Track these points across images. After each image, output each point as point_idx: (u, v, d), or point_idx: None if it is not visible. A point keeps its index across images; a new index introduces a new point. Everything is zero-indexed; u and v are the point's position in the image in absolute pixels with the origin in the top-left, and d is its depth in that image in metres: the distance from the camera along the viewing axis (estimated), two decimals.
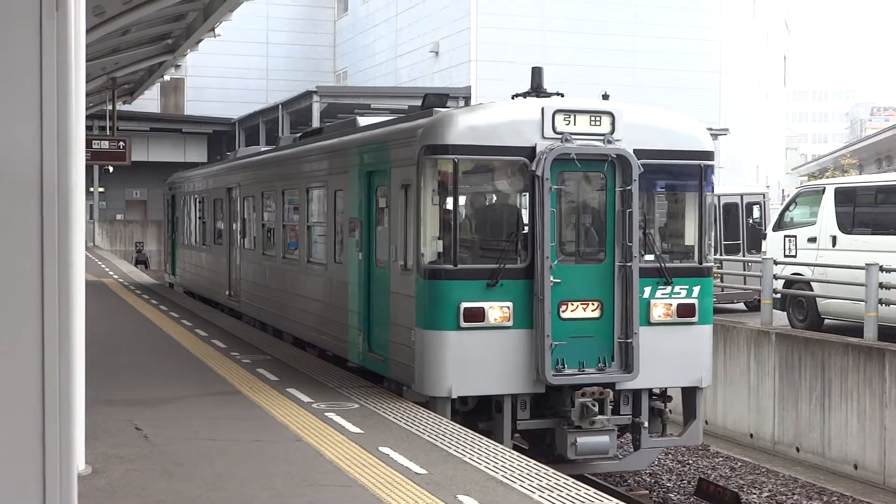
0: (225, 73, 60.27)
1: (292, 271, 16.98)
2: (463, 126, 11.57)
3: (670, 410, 12.76)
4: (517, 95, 12.65)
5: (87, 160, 20.02)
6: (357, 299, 13.63)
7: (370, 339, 13.31)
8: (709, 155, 12.51)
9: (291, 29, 63.64)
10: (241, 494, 8.13)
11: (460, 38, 47.07)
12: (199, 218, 25.42)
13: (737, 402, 18.46)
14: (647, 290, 12.01)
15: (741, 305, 23.90)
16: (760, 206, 25.15)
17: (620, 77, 42.91)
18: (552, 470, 9.03)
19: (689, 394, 12.60)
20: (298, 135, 20.54)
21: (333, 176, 14.89)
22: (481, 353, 11.47)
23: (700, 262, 12.46)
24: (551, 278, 11.49)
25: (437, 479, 8.53)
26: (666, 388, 12.57)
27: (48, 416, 4.72)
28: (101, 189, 54.08)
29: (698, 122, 13.06)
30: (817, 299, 19.33)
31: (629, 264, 11.78)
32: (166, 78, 39.53)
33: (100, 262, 38.69)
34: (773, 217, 22.61)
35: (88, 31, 16.44)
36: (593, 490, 8.42)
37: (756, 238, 23.84)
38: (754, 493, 14.83)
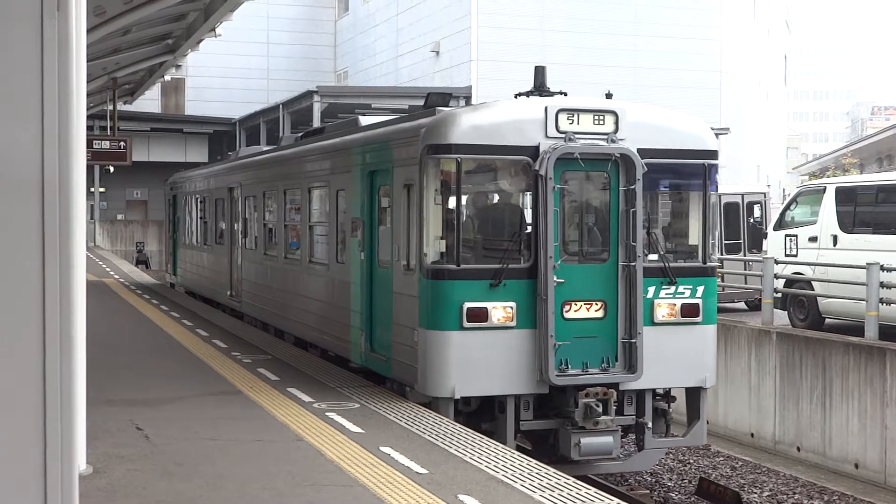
0: (226, 73, 60.31)
1: (294, 271, 16.96)
2: (466, 125, 11.53)
3: (673, 411, 12.72)
4: (520, 94, 12.59)
5: (87, 160, 20.03)
6: (359, 299, 13.60)
7: (372, 340, 13.27)
8: (713, 154, 12.45)
9: (292, 29, 63.67)
10: (242, 494, 8.13)
11: (461, 38, 47.08)
12: (201, 218, 25.41)
13: (738, 402, 18.46)
14: (651, 289, 11.96)
15: (742, 305, 23.90)
16: (761, 206, 25.15)
17: (621, 77, 42.90)
18: (553, 469, 9.03)
19: (693, 394, 12.54)
20: (300, 134, 20.52)
21: (335, 175, 14.86)
22: (484, 353, 11.42)
23: (704, 262, 12.41)
24: (555, 278, 11.44)
25: (438, 478, 8.53)
26: (670, 389, 12.52)
27: (49, 415, 4.72)
28: (101, 189, 54.11)
29: (702, 121, 13.04)
30: (818, 298, 19.33)
31: (633, 264, 11.74)
32: (167, 78, 39.57)
33: (101, 263, 38.70)
34: (773, 216, 22.60)
35: (89, 31, 16.44)
36: (594, 489, 8.42)
37: (757, 237, 23.83)
38: (755, 493, 14.83)
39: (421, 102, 13.42)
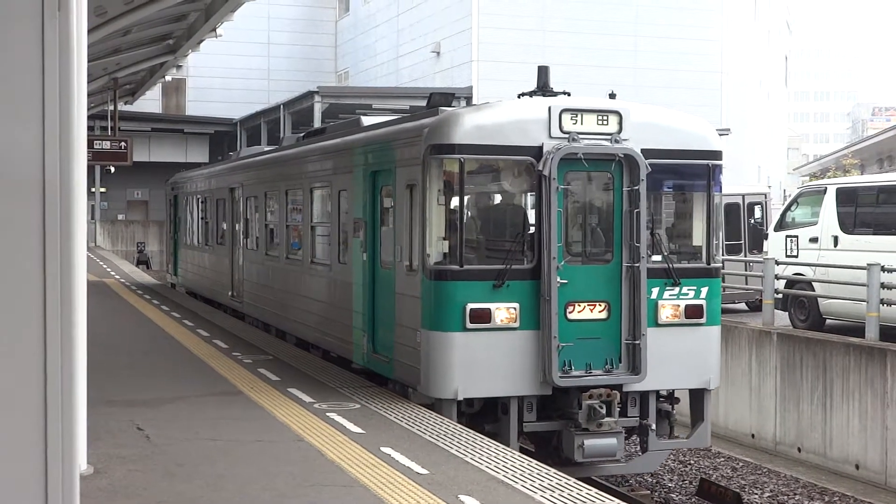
0: (226, 74, 60.33)
1: (296, 272, 16.94)
2: (469, 125, 11.48)
3: (677, 413, 12.68)
4: (523, 94, 12.53)
5: (88, 160, 20.03)
6: (361, 300, 13.57)
7: (374, 341, 13.23)
8: (717, 154, 12.39)
9: (293, 29, 63.70)
10: (243, 495, 8.13)
11: (462, 39, 47.09)
12: (202, 218, 25.41)
13: (738, 403, 18.45)
14: (655, 290, 11.91)
15: (743, 305, 23.89)
16: (762, 207, 25.13)
17: (621, 77, 42.90)
18: (554, 470, 9.03)
19: (697, 396, 12.48)
20: (301, 134, 20.49)
21: (337, 176, 14.83)
22: (488, 354, 11.37)
23: (708, 263, 12.35)
24: (558, 279, 11.39)
25: (439, 479, 8.53)
26: (673, 390, 12.46)
27: (50, 416, 4.72)
28: (102, 189, 54.15)
29: (706, 121, 13.00)
30: (819, 299, 19.32)
31: (637, 265, 11.69)
32: (168, 78, 39.58)
33: (101, 263, 38.71)
34: (774, 217, 22.59)
35: (90, 31, 16.44)
36: (595, 490, 8.42)
37: (757, 238, 23.81)
38: (756, 494, 14.82)
39: (421, 103, 13.40)
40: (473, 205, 12.25)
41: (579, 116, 11.63)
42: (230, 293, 21.62)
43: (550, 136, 11.52)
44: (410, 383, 12.06)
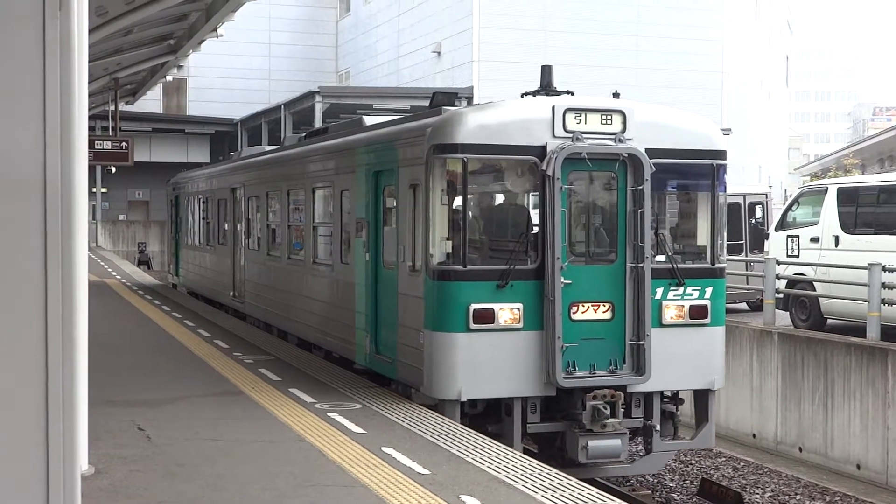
0: (227, 74, 60.35)
1: (298, 272, 16.92)
2: (472, 125, 11.42)
3: (681, 414, 12.65)
4: (527, 94, 12.48)
5: (89, 161, 20.04)
6: (364, 300, 13.52)
7: (377, 341, 13.18)
8: (721, 154, 12.33)
9: (294, 29, 63.71)
10: (244, 495, 8.13)
11: (462, 39, 47.09)
12: (203, 218, 25.40)
13: (740, 403, 18.45)
14: (659, 291, 11.85)
15: (744, 305, 23.89)
16: (763, 206, 25.13)
17: (622, 77, 42.89)
18: (555, 470, 9.02)
19: (702, 396, 12.43)
20: (303, 134, 20.47)
21: (340, 176, 14.80)
22: (491, 355, 11.32)
23: (713, 263, 12.29)
24: (562, 279, 11.34)
25: (440, 479, 8.52)
26: (678, 391, 12.41)
27: (51, 416, 4.72)
28: (103, 189, 54.16)
29: (710, 120, 12.96)
30: (820, 299, 19.32)
31: (641, 265, 11.63)
32: (169, 78, 39.60)
33: (102, 263, 38.72)
34: (775, 217, 22.59)
35: (91, 31, 16.44)
36: (596, 490, 8.41)
37: (758, 238, 23.81)
38: (757, 494, 14.82)
39: (422, 103, 13.39)
40: (477, 205, 12.21)
41: (583, 116, 11.58)
42: (232, 293, 21.62)
43: (554, 136, 11.46)
44: (413, 384, 12.02)
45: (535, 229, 11.73)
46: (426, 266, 11.56)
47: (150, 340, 17.31)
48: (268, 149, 23.42)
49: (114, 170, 45.30)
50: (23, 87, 4.69)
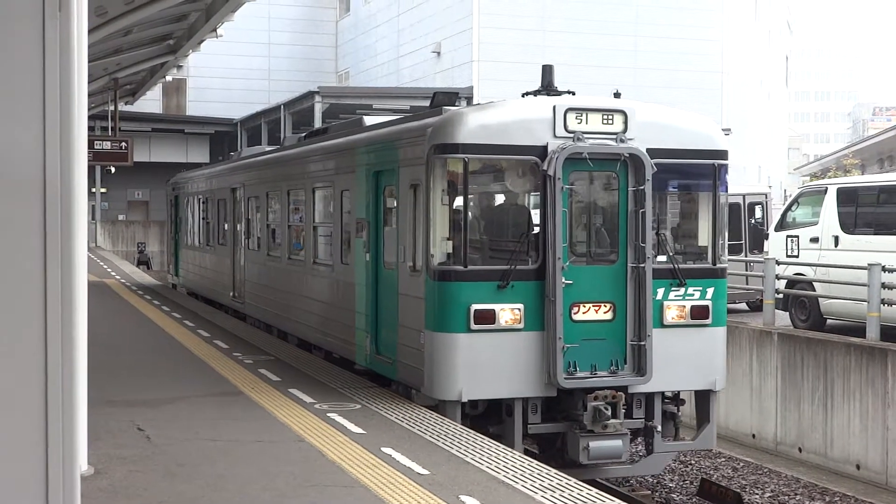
0: (227, 74, 60.37)
1: (298, 272, 16.90)
2: (473, 125, 11.39)
3: (682, 415, 12.63)
4: (528, 94, 12.43)
5: (89, 161, 20.04)
6: (364, 301, 13.49)
7: (378, 342, 13.15)
8: (723, 154, 12.30)
9: (293, 29, 63.72)
10: (243, 495, 8.13)
11: (462, 39, 47.10)
12: (203, 218, 25.39)
13: (739, 403, 18.45)
14: (661, 291, 11.82)
15: (743, 306, 23.89)
16: (763, 207, 25.12)
17: (622, 77, 42.90)
18: (554, 471, 9.02)
19: (703, 397, 12.40)
20: (303, 134, 20.45)
21: (340, 176, 14.77)
22: (492, 355, 11.29)
23: (714, 263, 12.26)
24: (563, 279, 11.31)
25: (440, 479, 8.52)
26: (679, 392, 12.38)
27: (51, 416, 4.72)
28: (103, 190, 54.16)
29: (712, 120, 12.92)
30: (820, 299, 19.32)
31: (642, 265, 11.60)
32: (168, 78, 39.60)
33: (102, 263, 38.71)
34: (775, 217, 22.59)
35: (90, 31, 16.44)
36: (595, 490, 8.41)
37: (758, 238, 23.81)
38: (757, 494, 14.82)
39: (422, 103, 13.36)
40: (478, 205, 12.17)
41: (584, 116, 11.54)
42: (231, 294, 21.61)
43: (555, 136, 11.42)
44: (414, 385, 11.99)
45: (536, 229, 11.69)
46: (427, 266, 11.52)
47: (149, 341, 17.31)
48: (268, 149, 23.40)
49: (113, 170, 45.27)
50: (22, 87, 4.69)
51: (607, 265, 11.84)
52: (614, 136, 11.60)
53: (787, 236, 20.31)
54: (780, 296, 19.79)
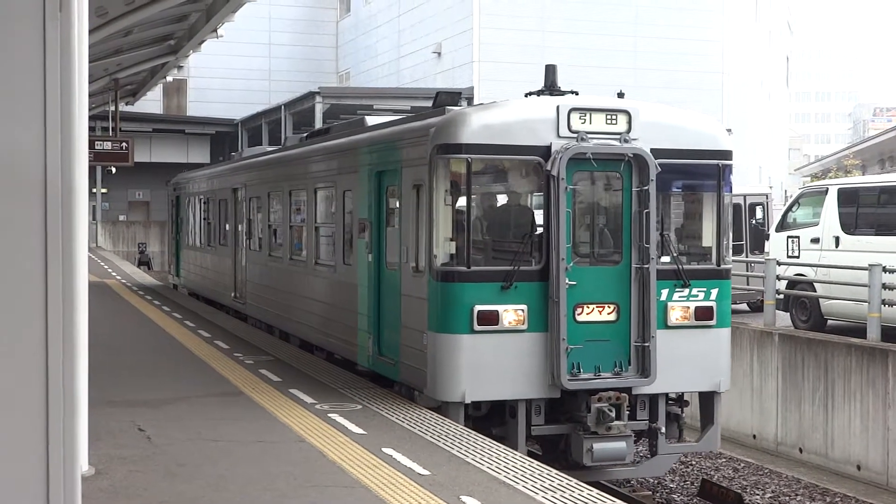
0: (227, 74, 60.37)
1: (299, 273, 16.87)
2: (476, 125, 11.33)
3: (686, 416, 12.59)
4: (531, 93, 12.38)
5: (89, 161, 20.04)
6: (366, 302, 13.44)
7: (380, 343, 13.10)
8: (727, 154, 12.25)
9: (294, 30, 63.72)
10: (244, 496, 8.13)
11: (463, 39, 47.10)
12: (204, 219, 25.38)
13: (740, 403, 18.44)
14: (665, 292, 11.76)
15: (744, 306, 23.88)
16: (763, 207, 25.14)
17: (622, 78, 42.82)
18: (555, 471, 9.02)
19: (707, 399, 12.34)
20: (305, 135, 20.43)
21: (342, 176, 14.73)
22: (495, 356, 11.23)
23: (718, 264, 12.20)
24: (567, 280, 11.26)
25: (441, 479, 8.52)
26: (683, 393, 12.33)
27: (52, 416, 4.72)
28: (103, 190, 54.18)
29: (716, 120, 12.87)
30: (820, 300, 19.32)
31: (646, 266, 11.55)
32: (169, 79, 39.60)
33: (102, 263, 38.72)
34: (775, 218, 22.59)
35: (91, 31, 16.44)
36: (596, 491, 8.41)
37: (759, 239, 23.82)
38: (757, 494, 14.82)
39: (423, 103, 13.33)
40: (481, 205, 12.09)
41: (588, 116, 11.49)
42: (233, 294, 21.60)
43: (559, 136, 11.37)
44: (417, 386, 11.94)
45: (540, 230, 11.64)
46: (430, 267, 11.47)
47: (150, 341, 17.31)
48: (269, 149, 23.38)
49: (114, 170, 45.32)
50: (23, 87, 4.69)
51: (611, 266, 11.78)
52: (618, 137, 11.54)
53: (788, 237, 20.31)
54: (781, 296, 19.79)
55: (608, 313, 11.63)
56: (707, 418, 12.42)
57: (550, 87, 12.47)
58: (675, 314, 11.87)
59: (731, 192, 12.37)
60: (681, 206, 12.96)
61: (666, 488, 15.00)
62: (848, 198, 19.11)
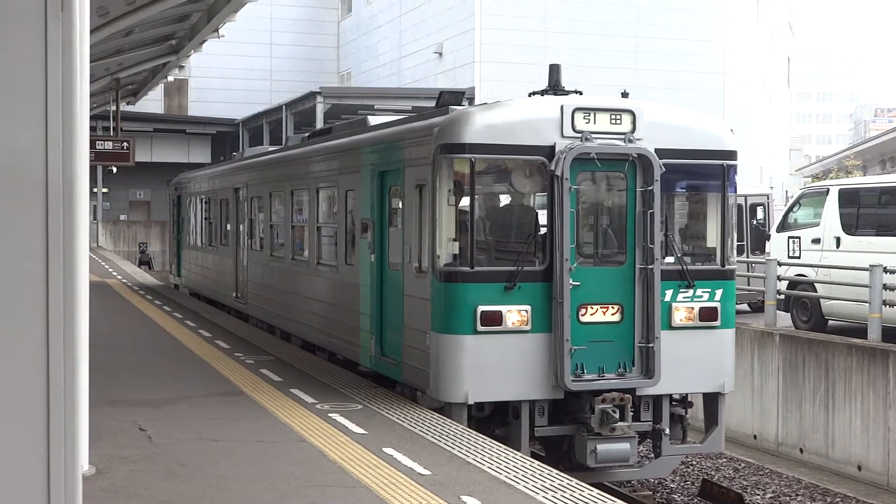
0: (228, 74, 60.39)
1: (301, 273, 16.84)
2: (480, 124, 11.28)
3: (690, 417, 12.57)
4: (535, 93, 12.33)
5: (91, 161, 20.05)
6: (369, 302, 13.40)
7: (382, 343, 13.06)
8: (732, 154, 12.20)
9: (295, 30, 63.73)
10: (245, 495, 8.13)
11: (464, 39, 47.10)
12: (206, 219, 25.37)
13: (741, 404, 18.44)
14: (669, 293, 11.71)
15: (745, 306, 23.89)
16: (764, 208, 25.16)
17: (623, 78, 42.79)
18: (556, 471, 9.02)
19: (711, 400, 12.28)
20: (307, 134, 20.40)
21: (344, 176, 14.70)
22: (498, 357, 11.18)
23: (722, 265, 12.14)
24: (570, 281, 11.21)
25: (441, 479, 8.53)
26: (687, 394, 12.28)
27: (53, 416, 4.72)
28: (104, 190, 54.18)
29: (721, 120, 12.82)
30: (821, 300, 19.32)
31: (650, 267, 11.49)
32: (170, 79, 39.61)
33: (103, 263, 38.73)
34: (776, 218, 22.60)
35: (92, 31, 16.44)
36: (597, 491, 8.42)
37: (760, 239, 23.83)
38: (758, 495, 14.82)
39: (424, 104, 13.30)
40: (484, 205, 12.02)
41: (592, 115, 11.43)
42: (234, 294, 21.59)
43: (563, 136, 11.31)
44: (419, 387, 11.90)
45: (543, 230, 11.59)
46: (433, 267, 11.42)
47: (151, 341, 17.31)
48: (271, 149, 23.37)
49: (115, 170, 45.34)
50: (25, 87, 4.69)
51: (615, 266, 11.73)
52: (623, 137, 11.49)
53: (789, 237, 20.31)
54: (782, 297, 19.79)
55: (612, 314, 11.58)
56: (711, 419, 12.37)
57: (554, 86, 12.42)
58: (680, 315, 11.82)
59: (735, 192, 12.31)
60: (685, 206, 12.90)
61: (666, 488, 15.00)
62: (849, 198, 19.11)
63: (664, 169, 11.53)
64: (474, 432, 10.50)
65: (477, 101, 39.94)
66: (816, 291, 19.52)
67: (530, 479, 8.64)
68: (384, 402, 11.89)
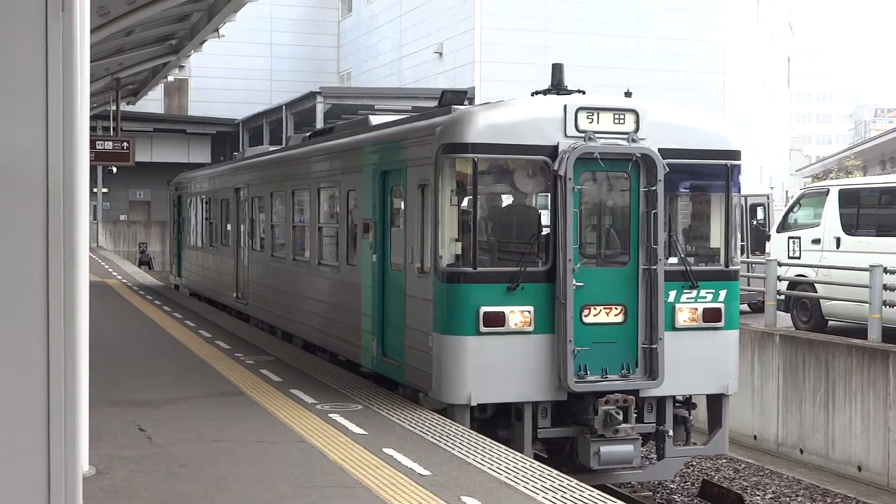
0: (229, 74, 60.40)
1: (302, 273, 16.82)
2: (483, 124, 11.24)
3: (693, 419, 12.49)
4: (537, 93, 12.28)
5: (91, 161, 20.05)
6: (370, 303, 13.36)
7: (384, 344, 13.02)
8: (736, 154, 12.16)
9: (295, 30, 63.74)
10: (245, 496, 8.13)
11: (464, 40, 47.10)
12: (206, 219, 25.36)
13: (741, 404, 18.42)
14: (672, 293, 11.66)
15: (745, 307, 23.85)
16: (764, 208, 25.15)
17: (624, 78, 42.58)
18: (556, 472, 9.01)
19: (715, 401, 12.24)
20: (307, 134, 20.38)
21: (346, 176, 14.65)
22: (501, 359, 11.14)
23: (726, 266, 12.10)
24: (574, 282, 11.16)
25: (441, 480, 8.52)
26: (690, 396, 12.23)
27: (53, 416, 4.72)
28: (104, 190, 54.19)
29: (725, 120, 12.79)
30: (821, 301, 19.31)
31: (654, 267, 11.45)
32: (170, 78, 39.64)
33: (103, 263, 38.72)
34: (776, 218, 22.59)
35: (92, 31, 16.44)
36: (597, 491, 8.41)
37: (760, 239, 23.82)
38: (758, 495, 14.81)
39: (424, 104, 13.29)
40: (487, 205, 11.98)
41: (595, 115, 11.38)
42: (235, 295, 21.58)
43: (566, 136, 11.26)
44: (422, 388, 11.86)
45: (546, 230, 11.55)
46: (435, 268, 11.37)
47: (151, 341, 17.31)
48: (272, 149, 23.36)
49: (115, 170, 45.34)
50: (25, 87, 4.69)
51: (618, 267, 11.69)
52: (626, 136, 11.44)
53: (789, 237, 20.31)
54: (782, 297, 19.79)
55: (615, 315, 11.53)
56: (715, 421, 12.32)
57: (557, 86, 12.37)
58: (683, 316, 11.77)
59: (739, 192, 12.25)
60: (689, 206, 12.86)
61: (667, 489, 15.00)
62: (849, 199, 19.11)
63: (668, 169, 11.48)
64: (474, 433, 10.49)
65: (477, 102, 39.94)
66: (816, 292, 19.52)
67: (530, 479, 8.64)
68: (384, 402, 11.89)
